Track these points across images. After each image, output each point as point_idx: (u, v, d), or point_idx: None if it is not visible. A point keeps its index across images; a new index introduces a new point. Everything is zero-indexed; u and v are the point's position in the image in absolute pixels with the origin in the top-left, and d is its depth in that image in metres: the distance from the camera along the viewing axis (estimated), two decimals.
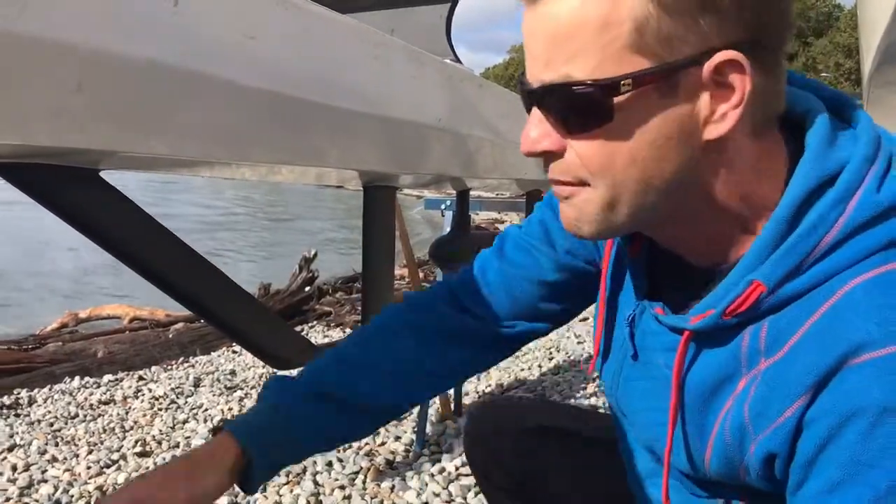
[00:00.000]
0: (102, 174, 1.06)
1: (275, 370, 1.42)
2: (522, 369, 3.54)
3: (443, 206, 2.63)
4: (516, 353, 3.68)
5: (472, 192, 2.08)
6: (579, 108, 0.61)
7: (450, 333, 0.96)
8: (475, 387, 3.22)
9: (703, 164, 0.62)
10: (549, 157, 0.66)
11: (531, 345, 4.12)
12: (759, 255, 0.62)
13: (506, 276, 0.96)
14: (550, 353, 3.89)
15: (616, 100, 0.59)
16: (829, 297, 0.59)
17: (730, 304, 0.63)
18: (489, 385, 3.25)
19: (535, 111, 0.65)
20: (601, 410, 2.85)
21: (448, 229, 2.58)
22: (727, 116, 0.59)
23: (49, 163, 0.96)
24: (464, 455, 2.32)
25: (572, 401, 3.02)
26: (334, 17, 1.20)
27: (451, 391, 2.81)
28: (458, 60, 1.62)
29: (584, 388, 3.22)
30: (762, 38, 0.59)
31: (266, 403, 0.88)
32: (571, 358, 3.73)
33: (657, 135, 0.60)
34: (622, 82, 0.58)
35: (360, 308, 5.46)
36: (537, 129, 0.65)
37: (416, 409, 2.76)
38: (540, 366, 3.63)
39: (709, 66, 0.58)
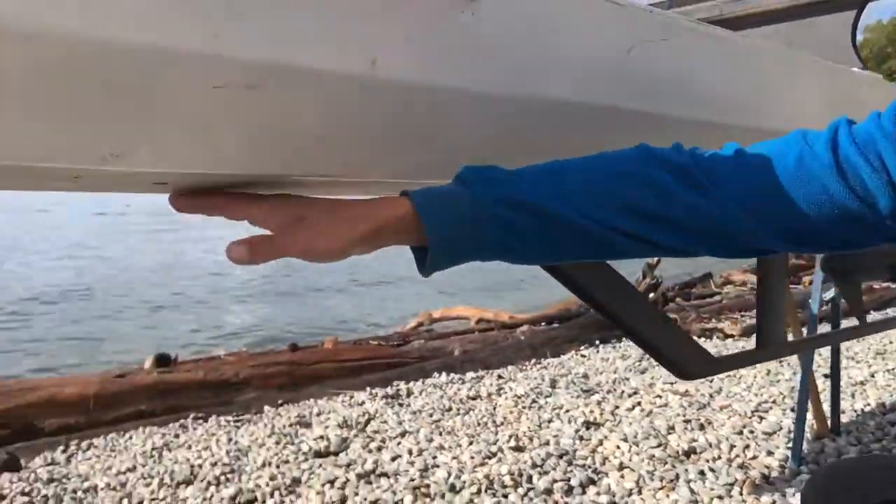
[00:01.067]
0: None
1: (686, 380, 1.47)
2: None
3: None
4: (895, 371, 3.36)
5: None
6: None
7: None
8: (851, 405, 3.00)
9: None
10: None
11: None
12: None
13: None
14: None
15: None
16: None
17: None
18: (867, 404, 3.01)
19: None
20: None
21: None
22: None
23: None
24: None
25: None
26: (736, 39, 1.22)
27: (828, 408, 2.65)
28: (865, 67, 1.54)
29: None
30: None
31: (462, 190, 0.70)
32: None
33: None
34: None
35: (703, 315, 5.25)
36: None
37: (784, 423, 2.65)
38: None
39: None
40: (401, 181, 0.85)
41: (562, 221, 0.70)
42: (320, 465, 2.68)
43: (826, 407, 2.66)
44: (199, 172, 0.61)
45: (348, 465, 2.65)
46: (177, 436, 3.31)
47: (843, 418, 2.78)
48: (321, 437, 3.04)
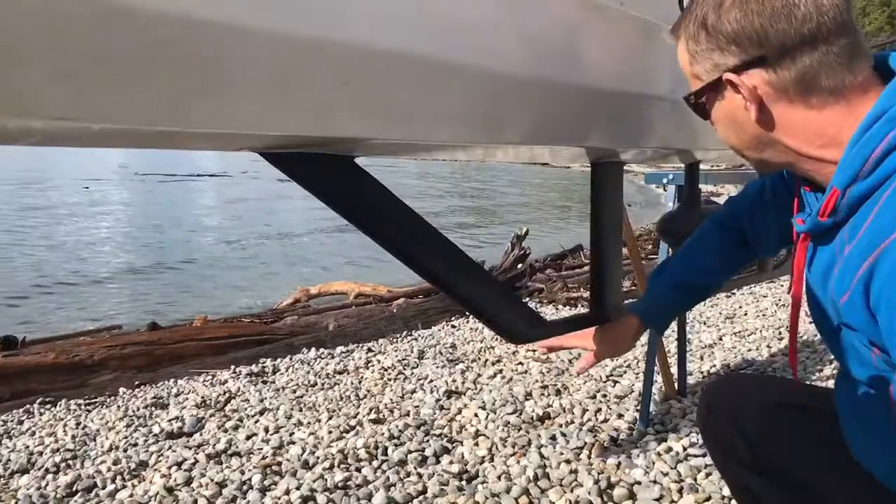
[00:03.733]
0: (358, 160, 1.13)
1: (515, 344, 1.45)
2: (750, 349, 3.39)
3: (664, 181, 2.55)
4: (743, 334, 3.54)
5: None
6: (695, 110, 1.01)
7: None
8: (699, 367, 3.12)
9: (769, 132, 0.92)
10: None
11: (757, 323, 3.94)
12: (839, 168, 0.87)
13: None
14: (780, 332, 3.68)
15: (701, 105, 0.98)
16: (885, 193, 0.82)
17: (820, 208, 0.92)
18: (713, 365, 3.14)
19: None
20: None
21: (670, 204, 2.51)
22: (751, 106, 0.91)
23: (311, 151, 1.04)
24: (693, 435, 2.26)
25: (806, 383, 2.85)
26: None
27: (675, 370, 2.74)
28: None
29: (820, 371, 3.03)
30: (762, 54, 0.88)
31: (652, 290, 1.45)
32: (804, 338, 3.50)
33: (726, 120, 0.97)
34: (692, 96, 0.98)
35: (571, 285, 5.40)
36: None
37: (636, 387, 2.73)
38: (769, 346, 3.45)
39: (724, 80, 0.92)
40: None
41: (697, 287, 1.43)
42: (170, 447, 2.56)
43: (675, 370, 2.75)
44: None
45: (199, 446, 2.55)
46: (20, 422, 3.10)
47: (691, 380, 2.89)
48: (176, 418, 2.92)
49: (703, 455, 2.14)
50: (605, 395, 2.77)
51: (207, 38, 0.67)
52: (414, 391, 3.07)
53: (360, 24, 0.83)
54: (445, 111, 0.97)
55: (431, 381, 3.21)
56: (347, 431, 2.62)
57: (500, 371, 3.25)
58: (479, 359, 3.56)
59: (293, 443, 2.54)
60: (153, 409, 3.14)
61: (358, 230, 1.15)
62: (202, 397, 3.25)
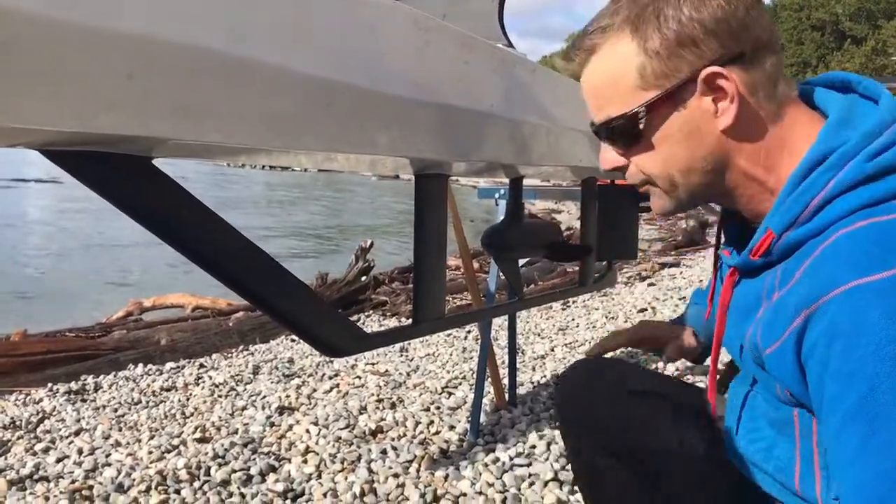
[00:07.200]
0: (156, 161, 1.06)
1: (334, 357, 1.41)
2: (578, 359, 3.50)
3: (496, 196, 2.60)
4: (573, 345, 3.64)
5: (528, 181, 2.05)
6: (620, 135, 0.88)
7: None
8: (530, 377, 3.19)
9: (728, 146, 0.84)
10: (621, 169, 0.93)
11: (587, 335, 4.09)
12: (775, 209, 0.82)
13: None
14: None
15: (640, 124, 0.85)
16: (822, 243, 0.77)
17: (753, 247, 0.85)
18: (544, 376, 3.22)
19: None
20: None
21: (502, 218, 2.55)
22: (729, 110, 0.81)
23: (102, 150, 0.97)
24: (519, 445, 2.30)
25: None
26: (385, 3, 1.19)
27: (506, 380, 2.79)
28: (510, 45, 1.59)
29: None
30: (741, 49, 0.80)
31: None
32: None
33: (680, 136, 0.85)
34: (638, 112, 0.84)
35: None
36: (606, 153, 0.93)
37: (469, 398, 2.76)
38: None
39: (700, 80, 0.81)
40: None
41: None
42: None
43: (507, 380, 2.80)
44: None
45: (1, 471, 2.33)
46: None
47: (521, 390, 2.95)
48: None
49: (528, 465, 2.18)
50: (438, 407, 2.78)
51: None
52: (245, 408, 2.96)
53: (144, 14, 0.78)
54: (243, 112, 0.92)
55: (264, 396, 3.11)
56: (169, 451, 2.48)
57: (337, 385, 3.20)
58: (316, 373, 3.48)
59: (109, 465, 2.38)
60: None
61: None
62: (11, 418, 3.01)
